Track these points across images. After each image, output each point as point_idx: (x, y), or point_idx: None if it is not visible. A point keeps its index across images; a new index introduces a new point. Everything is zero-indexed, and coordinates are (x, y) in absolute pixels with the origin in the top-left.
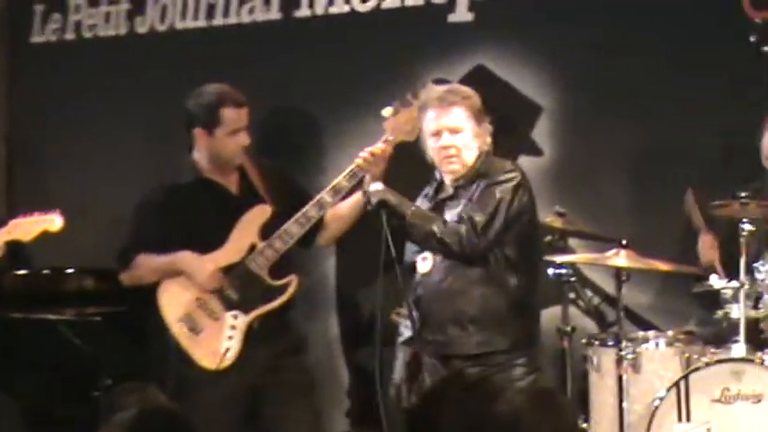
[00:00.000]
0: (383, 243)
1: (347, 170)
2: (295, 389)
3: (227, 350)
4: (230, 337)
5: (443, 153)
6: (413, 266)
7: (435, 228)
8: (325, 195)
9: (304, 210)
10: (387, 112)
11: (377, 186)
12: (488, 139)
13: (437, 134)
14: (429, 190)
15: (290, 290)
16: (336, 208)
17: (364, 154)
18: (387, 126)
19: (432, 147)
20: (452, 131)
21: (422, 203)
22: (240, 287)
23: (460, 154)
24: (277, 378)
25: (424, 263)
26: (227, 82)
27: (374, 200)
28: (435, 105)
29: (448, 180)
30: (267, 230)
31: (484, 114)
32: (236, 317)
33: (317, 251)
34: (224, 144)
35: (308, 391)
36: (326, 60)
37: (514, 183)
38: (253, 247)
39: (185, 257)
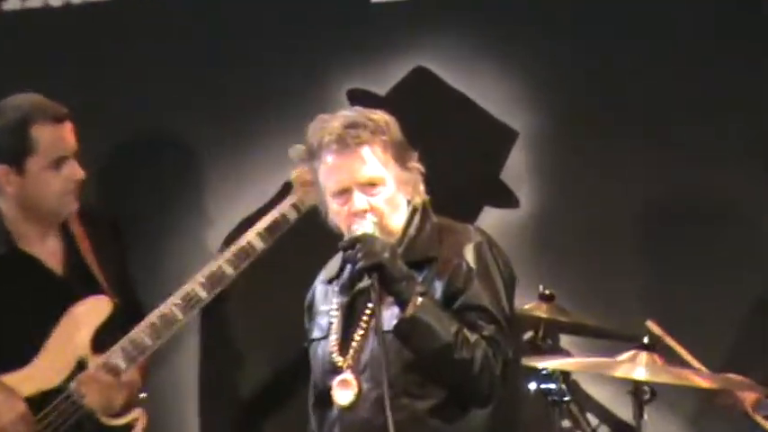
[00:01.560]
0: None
1: (236, 247)
2: None
3: None
4: None
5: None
6: (326, 393)
7: (465, 342)
8: (197, 289)
9: (163, 310)
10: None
11: (365, 228)
12: (421, 187)
13: (344, 192)
14: (333, 271)
15: None
16: None
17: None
18: (295, 181)
19: (336, 210)
20: (367, 186)
21: (327, 293)
22: (60, 428)
23: (383, 219)
24: None
25: (344, 391)
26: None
27: (363, 259)
28: (334, 150)
29: None
30: (105, 335)
31: (409, 150)
32: None
33: (176, 351)
34: (42, 182)
35: None
36: (193, 55)
37: (490, 261)
38: (81, 365)
39: None
